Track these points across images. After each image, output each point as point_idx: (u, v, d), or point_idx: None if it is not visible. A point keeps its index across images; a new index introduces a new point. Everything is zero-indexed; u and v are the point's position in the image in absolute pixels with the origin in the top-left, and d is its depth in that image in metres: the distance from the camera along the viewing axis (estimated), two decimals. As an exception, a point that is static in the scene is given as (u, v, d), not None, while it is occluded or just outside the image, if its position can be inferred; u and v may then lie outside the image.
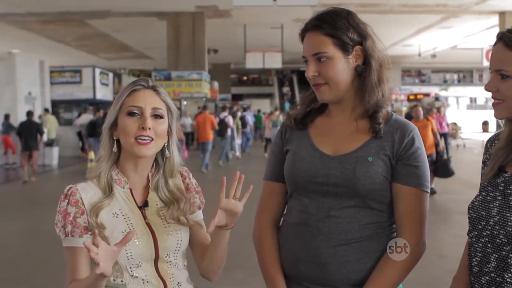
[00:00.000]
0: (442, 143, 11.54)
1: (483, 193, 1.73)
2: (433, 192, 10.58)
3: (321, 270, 1.87)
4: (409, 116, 13.31)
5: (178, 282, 1.86)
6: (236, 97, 43.48)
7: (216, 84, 27.00)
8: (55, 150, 18.18)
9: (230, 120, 18.79)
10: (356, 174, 1.85)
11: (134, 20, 20.56)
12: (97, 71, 24.81)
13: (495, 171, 1.72)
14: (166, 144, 1.87)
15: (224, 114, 19.09)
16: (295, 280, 1.95)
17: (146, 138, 1.76)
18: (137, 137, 1.76)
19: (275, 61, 21.59)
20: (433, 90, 39.85)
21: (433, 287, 5.30)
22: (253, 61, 21.45)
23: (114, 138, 1.83)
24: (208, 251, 1.92)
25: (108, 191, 1.80)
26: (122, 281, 1.77)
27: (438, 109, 18.68)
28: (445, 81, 43.63)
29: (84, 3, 17.83)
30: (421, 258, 1.92)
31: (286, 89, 46.19)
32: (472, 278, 1.72)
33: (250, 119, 23.89)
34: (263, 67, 22.51)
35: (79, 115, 21.09)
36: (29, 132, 14.32)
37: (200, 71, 21.11)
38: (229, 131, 18.58)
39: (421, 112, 11.28)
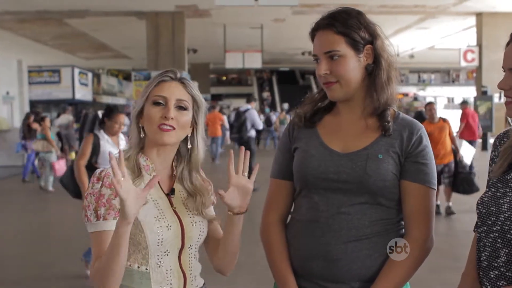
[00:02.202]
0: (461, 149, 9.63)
1: (493, 189, 1.75)
2: (450, 212, 8.85)
3: (332, 267, 1.90)
4: (420, 116, 11.92)
5: (195, 276, 1.90)
6: (216, 97, 43.37)
7: (195, 84, 26.93)
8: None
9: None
10: (368, 171, 1.88)
11: (113, 20, 20.38)
12: (76, 71, 24.58)
13: (504, 168, 1.75)
14: (189, 136, 1.90)
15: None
16: (306, 277, 1.97)
17: (168, 126, 1.80)
18: (159, 125, 1.80)
19: (254, 61, 21.55)
20: (411, 90, 40.21)
21: (416, 287, 5.36)
22: (233, 61, 21.38)
23: (140, 126, 1.87)
24: (222, 241, 1.94)
25: (138, 172, 1.83)
26: (146, 269, 1.78)
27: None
28: (423, 81, 44.03)
29: (62, 2, 17.62)
30: (429, 253, 1.96)
31: (266, 94, 45.88)
32: (480, 273, 1.74)
33: (275, 118, 26.68)
34: (243, 67, 22.47)
35: (58, 115, 20.86)
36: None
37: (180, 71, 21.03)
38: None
39: (436, 112, 9.26)
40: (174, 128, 1.82)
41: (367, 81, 1.96)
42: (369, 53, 1.94)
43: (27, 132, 14.93)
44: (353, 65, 1.92)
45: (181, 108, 1.85)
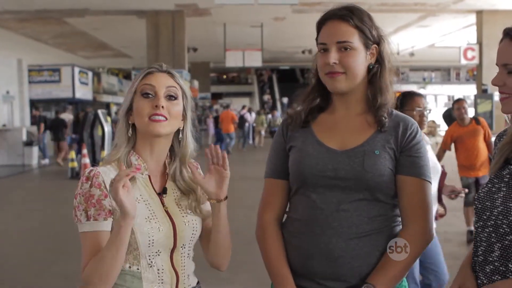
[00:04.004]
0: None
1: (489, 185, 1.77)
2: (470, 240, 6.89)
3: (333, 265, 1.91)
4: (449, 116, 9.11)
5: (188, 275, 1.88)
6: (216, 96, 43.37)
7: (196, 83, 26.94)
8: (35, 150, 17.98)
9: (248, 116, 25.77)
10: (365, 167, 1.90)
11: (113, 19, 20.37)
12: (76, 70, 24.58)
13: (500, 164, 1.77)
14: (181, 129, 1.89)
15: (244, 111, 26.32)
16: (306, 276, 1.97)
17: (160, 116, 1.78)
18: (150, 116, 1.78)
19: (255, 60, 21.54)
20: (412, 88, 40.15)
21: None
22: (233, 60, 21.37)
23: (130, 123, 1.85)
24: (212, 235, 1.92)
25: None
26: (138, 269, 1.78)
27: None
28: (423, 79, 44.05)
29: (62, 1, 17.62)
30: (428, 245, 1.97)
31: (267, 97, 45.43)
32: (476, 267, 1.76)
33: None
34: (243, 66, 22.50)
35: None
36: (56, 127, 18.27)
37: (180, 70, 21.02)
38: (246, 124, 25.01)
39: (467, 111, 7.19)
40: (166, 118, 1.80)
41: (366, 80, 1.99)
42: (373, 53, 1.98)
43: (77, 127, 16.71)
44: (361, 60, 1.95)
45: (171, 97, 1.84)
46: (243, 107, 28.48)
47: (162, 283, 1.80)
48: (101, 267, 1.67)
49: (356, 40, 1.93)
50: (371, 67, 1.98)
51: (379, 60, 1.99)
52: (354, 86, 1.96)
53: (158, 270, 1.80)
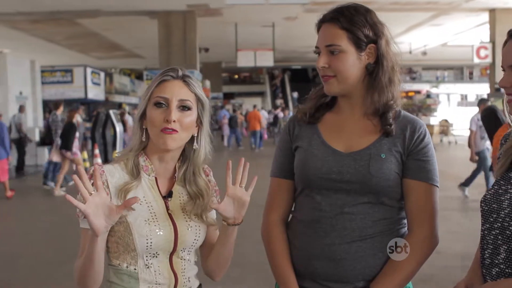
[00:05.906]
0: None
1: (495, 187, 1.75)
2: None
3: (336, 267, 1.89)
4: (491, 114, 7.80)
5: (188, 277, 1.87)
6: (228, 96, 43.40)
7: (208, 83, 27.00)
8: (47, 150, 18.06)
9: (281, 115, 28.39)
10: (371, 171, 1.86)
11: (125, 19, 20.45)
12: (89, 70, 24.70)
13: (506, 166, 1.75)
14: (196, 136, 1.85)
15: (277, 111, 29.75)
16: (309, 277, 1.95)
17: (170, 130, 1.75)
18: (162, 129, 1.75)
19: (266, 60, 21.51)
20: (424, 88, 39.99)
21: (427, 284, 5.32)
22: (245, 60, 21.35)
23: (144, 127, 1.83)
24: (215, 250, 1.91)
25: (136, 173, 1.80)
26: (135, 269, 1.77)
27: None
28: (436, 78, 43.80)
29: (74, 3, 17.69)
30: (433, 250, 1.95)
31: (279, 102, 44.99)
32: (483, 270, 1.74)
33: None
34: (255, 66, 22.48)
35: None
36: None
37: (192, 70, 21.05)
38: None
39: None
40: (177, 131, 1.76)
41: (367, 80, 1.93)
42: (372, 52, 1.91)
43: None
44: (353, 62, 1.89)
45: (184, 108, 1.79)
46: (277, 107, 32.26)
47: (159, 284, 1.79)
48: (80, 269, 1.72)
49: (344, 43, 1.87)
50: (369, 67, 1.92)
51: (378, 59, 1.92)
52: (348, 88, 1.92)
53: (155, 271, 1.79)
